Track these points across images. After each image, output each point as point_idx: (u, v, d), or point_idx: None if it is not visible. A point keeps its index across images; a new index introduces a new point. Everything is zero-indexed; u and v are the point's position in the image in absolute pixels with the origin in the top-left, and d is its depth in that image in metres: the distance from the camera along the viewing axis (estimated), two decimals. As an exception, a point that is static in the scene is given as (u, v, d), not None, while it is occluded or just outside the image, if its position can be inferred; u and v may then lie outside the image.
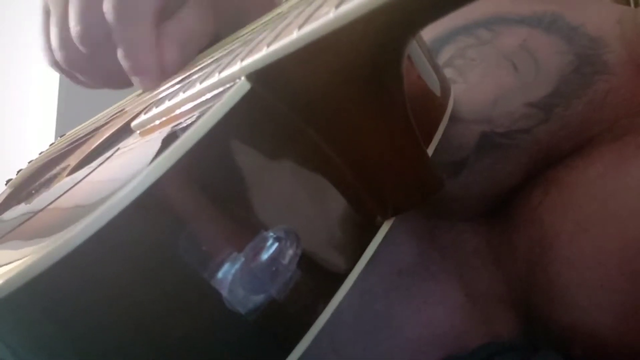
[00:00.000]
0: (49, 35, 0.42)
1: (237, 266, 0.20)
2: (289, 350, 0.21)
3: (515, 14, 0.37)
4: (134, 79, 0.38)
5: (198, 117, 0.20)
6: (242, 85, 0.21)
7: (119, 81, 0.42)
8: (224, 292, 0.20)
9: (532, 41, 0.35)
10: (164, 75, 0.37)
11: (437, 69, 0.30)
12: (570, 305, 0.31)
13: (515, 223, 0.34)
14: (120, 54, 0.38)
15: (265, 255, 0.20)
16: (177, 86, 0.29)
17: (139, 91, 0.42)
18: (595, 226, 0.31)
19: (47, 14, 0.43)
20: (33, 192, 0.34)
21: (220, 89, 0.22)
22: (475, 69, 0.36)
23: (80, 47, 0.40)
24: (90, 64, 0.42)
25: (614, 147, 0.32)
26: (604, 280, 0.30)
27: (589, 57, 0.34)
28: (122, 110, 0.40)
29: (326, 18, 0.18)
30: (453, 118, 0.32)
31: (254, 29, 0.32)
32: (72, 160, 0.35)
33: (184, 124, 0.22)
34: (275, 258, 0.20)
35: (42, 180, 0.36)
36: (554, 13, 0.36)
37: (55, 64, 0.44)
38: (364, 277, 0.35)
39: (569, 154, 0.33)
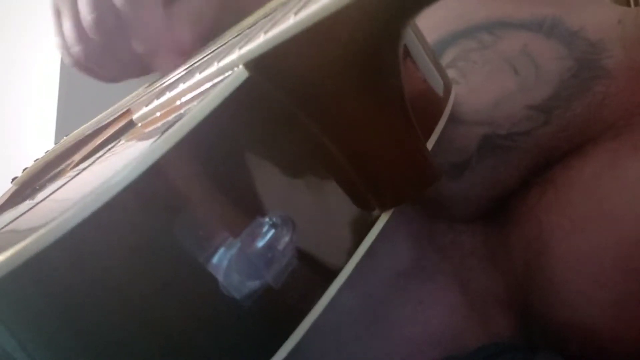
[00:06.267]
0: (64, 33, 0.43)
1: (232, 251, 0.20)
2: (284, 338, 0.21)
3: (516, 18, 0.37)
4: (151, 61, 0.39)
5: (197, 106, 0.20)
6: (240, 73, 0.21)
7: (137, 68, 0.43)
8: (220, 277, 0.20)
9: (532, 46, 0.36)
10: (180, 54, 0.38)
11: (438, 66, 0.30)
12: (565, 303, 0.31)
13: (512, 223, 0.34)
14: (134, 37, 0.38)
15: (261, 242, 0.20)
16: (178, 77, 0.29)
17: (142, 89, 0.42)
18: (590, 224, 0.31)
19: (58, 13, 0.43)
20: (38, 188, 0.34)
21: (220, 78, 0.22)
22: (477, 72, 0.36)
23: (95, 36, 0.41)
24: (107, 53, 0.42)
25: (610, 147, 0.32)
26: (599, 277, 0.30)
27: (588, 62, 0.34)
28: (126, 109, 0.40)
29: (322, 3, 0.18)
30: (455, 120, 0.32)
31: (254, 22, 0.32)
32: (77, 158, 0.35)
33: (184, 114, 0.22)
34: (271, 244, 0.21)
35: (47, 177, 0.37)
36: (554, 17, 0.37)
37: (73, 62, 0.45)
38: (364, 279, 0.35)
39: (567, 155, 0.34)
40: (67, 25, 0.42)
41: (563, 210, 0.32)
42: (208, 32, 0.40)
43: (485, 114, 0.34)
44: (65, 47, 0.44)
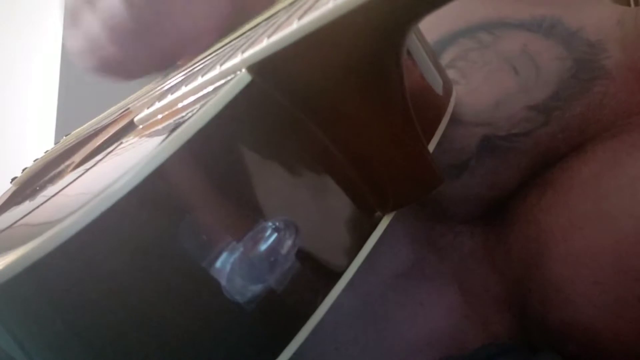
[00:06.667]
0: (88, 36, 0.42)
1: (235, 255, 0.20)
2: (287, 341, 0.21)
3: (515, 18, 0.37)
4: (194, 42, 0.39)
5: (199, 109, 0.20)
6: (243, 77, 0.21)
7: (169, 58, 0.43)
8: (223, 281, 0.20)
9: (532, 46, 0.36)
10: (219, 34, 0.38)
11: (439, 67, 0.30)
12: (564, 302, 0.31)
13: (512, 224, 0.34)
14: (177, 19, 0.38)
15: (264, 246, 0.21)
16: (180, 80, 0.29)
17: (142, 90, 0.42)
18: (589, 224, 0.31)
19: (75, 18, 0.43)
20: (38, 189, 0.34)
21: (222, 82, 0.22)
22: (477, 72, 0.36)
23: (132, 30, 0.40)
24: (144, 44, 0.42)
25: (609, 146, 0.33)
26: (597, 277, 0.30)
27: (588, 62, 0.35)
28: (126, 110, 0.40)
29: (325, 8, 0.18)
30: (455, 120, 0.32)
31: (256, 25, 0.32)
32: (77, 158, 0.35)
33: (186, 117, 0.22)
34: (274, 248, 0.21)
35: (47, 178, 0.37)
36: (553, 17, 0.37)
37: (100, 65, 0.44)
38: (364, 280, 0.35)
39: (566, 155, 0.34)
40: (95, 26, 0.42)
41: (562, 210, 0.32)
42: (235, 15, 0.40)
43: (485, 115, 0.34)
44: (91, 50, 0.43)
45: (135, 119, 0.28)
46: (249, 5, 0.40)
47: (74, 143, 0.40)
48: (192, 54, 0.41)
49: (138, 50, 0.42)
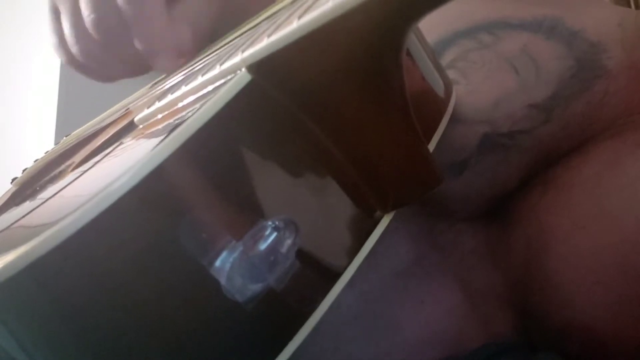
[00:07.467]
0: (61, 32, 0.43)
1: (235, 254, 0.20)
2: (286, 341, 0.21)
3: (515, 18, 0.37)
4: (152, 61, 0.39)
5: (199, 109, 0.20)
6: (243, 77, 0.21)
7: (136, 68, 0.43)
8: (223, 280, 0.20)
9: (532, 46, 0.36)
10: (180, 54, 0.38)
11: (439, 67, 0.30)
12: (566, 302, 0.31)
13: (513, 222, 0.34)
14: (136, 36, 0.38)
15: (263, 245, 0.20)
16: (180, 79, 0.29)
17: (142, 90, 0.42)
18: (590, 224, 0.31)
19: (55, 12, 0.43)
20: (38, 189, 0.34)
21: (222, 81, 0.22)
22: (477, 72, 0.36)
23: (96, 36, 0.41)
24: (107, 52, 0.42)
25: (611, 145, 0.33)
26: (599, 277, 0.30)
27: (589, 62, 0.35)
28: (127, 110, 0.40)
29: (325, 7, 0.18)
30: (455, 119, 0.32)
31: (256, 24, 0.32)
32: (78, 158, 0.35)
33: (186, 117, 0.22)
34: (273, 247, 0.21)
35: (47, 178, 0.37)
36: (554, 18, 0.37)
37: (70, 61, 0.45)
38: (364, 278, 0.35)
39: (568, 154, 0.34)
40: (66, 23, 0.42)
41: (563, 209, 0.32)
42: (207, 35, 0.40)
43: (486, 113, 0.34)
44: (62, 45, 0.44)
45: (136, 119, 0.28)
46: (241, 9, 0.40)
47: (74, 143, 0.40)
48: (163, 67, 0.41)
49: (101, 55, 0.43)
